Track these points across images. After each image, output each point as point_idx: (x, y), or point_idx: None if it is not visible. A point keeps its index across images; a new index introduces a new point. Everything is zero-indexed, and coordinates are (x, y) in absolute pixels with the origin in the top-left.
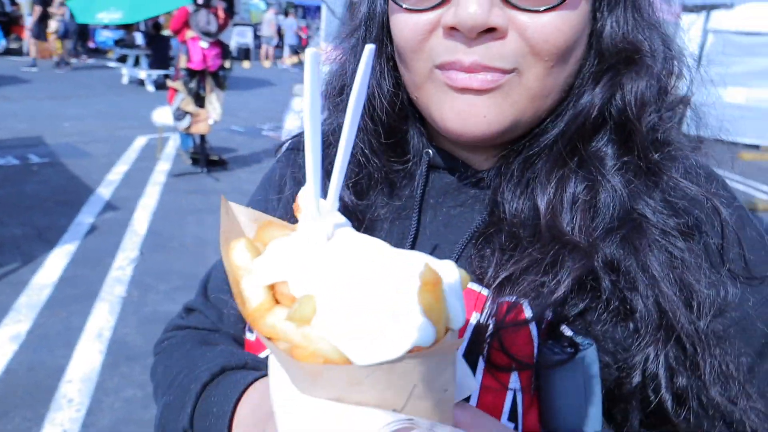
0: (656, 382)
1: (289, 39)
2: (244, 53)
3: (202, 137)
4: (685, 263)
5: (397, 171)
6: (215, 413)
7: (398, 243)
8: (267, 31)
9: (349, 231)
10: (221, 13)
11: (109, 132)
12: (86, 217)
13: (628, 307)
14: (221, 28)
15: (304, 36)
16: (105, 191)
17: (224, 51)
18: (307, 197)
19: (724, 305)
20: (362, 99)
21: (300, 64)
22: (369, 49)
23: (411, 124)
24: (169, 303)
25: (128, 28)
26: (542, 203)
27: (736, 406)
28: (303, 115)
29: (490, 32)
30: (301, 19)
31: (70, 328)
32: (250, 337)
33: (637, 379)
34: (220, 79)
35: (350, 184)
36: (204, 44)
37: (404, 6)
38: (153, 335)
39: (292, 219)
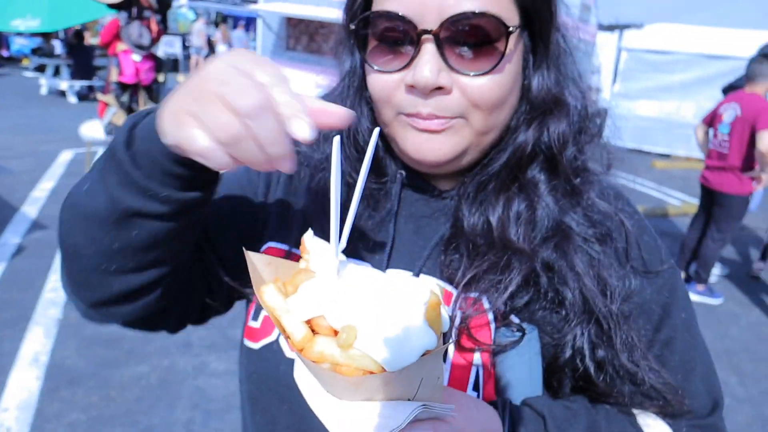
0: (582, 354)
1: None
2: (173, 63)
3: None
4: (601, 262)
5: (377, 189)
6: (146, 122)
7: (380, 247)
8: (197, 41)
9: (352, 266)
10: (154, 26)
11: (31, 146)
12: (12, 237)
13: (560, 297)
14: (154, 41)
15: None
16: (31, 209)
17: (158, 64)
18: (321, 246)
19: (629, 293)
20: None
21: None
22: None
23: (386, 152)
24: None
25: (46, 36)
26: (494, 219)
27: (639, 368)
28: (331, 186)
29: (440, 89)
30: (231, 30)
31: (3, 353)
32: (254, 324)
33: (568, 353)
34: (153, 93)
35: (343, 203)
36: (137, 57)
37: (375, 68)
38: (95, 358)
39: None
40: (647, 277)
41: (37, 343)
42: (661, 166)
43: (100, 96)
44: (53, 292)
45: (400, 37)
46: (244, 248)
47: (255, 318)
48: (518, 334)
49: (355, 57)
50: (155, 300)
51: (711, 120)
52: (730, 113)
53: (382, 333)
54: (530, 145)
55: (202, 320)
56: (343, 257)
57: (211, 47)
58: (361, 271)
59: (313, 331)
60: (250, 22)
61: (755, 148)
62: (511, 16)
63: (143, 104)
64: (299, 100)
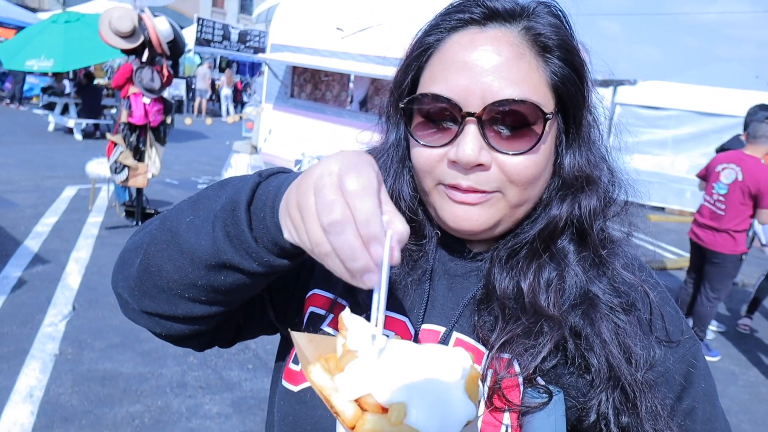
0: (606, 420)
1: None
2: (178, 105)
3: (139, 191)
4: (626, 331)
5: (415, 250)
6: (272, 191)
7: (417, 303)
8: (201, 84)
9: (393, 342)
10: (165, 71)
11: (35, 182)
12: (13, 271)
13: (587, 363)
14: (164, 85)
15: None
16: (33, 243)
17: (166, 106)
18: (358, 324)
19: (653, 362)
20: (388, 268)
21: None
22: (389, 234)
23: (424, 215)
24: (107, 361)
25: (57, 75)
26: (524, 284)
27: None
28: (382, 277)
29: (480, 166)
30: (235, 74)
31: None
32: (294, 367)
33: (592, 417)
34: (160, 134)
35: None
36: (146, 100)
37: (421, 142)
38: (90, 395)
39: None
40: (670, 346)
41: (32, 378)
42: (655, 219)
43: (109, 136)
44: (52, 326)
45: (445, 116)
46: (289, 329)
47: (296, 362)
48: (546, 396)
49: (400, 130)
50: (205, 326)
51: (705, 174)
52: (729, 173)
53: (428, 408)
54: (564, 219)
55: (231, 344)
56: (386, 337)
57: (215, 90)
58: (399, 346)
59: (361, 407)
60: (255, 68)
61: (755, 217)
62: (547, 102)
63: (150, 145)
64: (376, 218)
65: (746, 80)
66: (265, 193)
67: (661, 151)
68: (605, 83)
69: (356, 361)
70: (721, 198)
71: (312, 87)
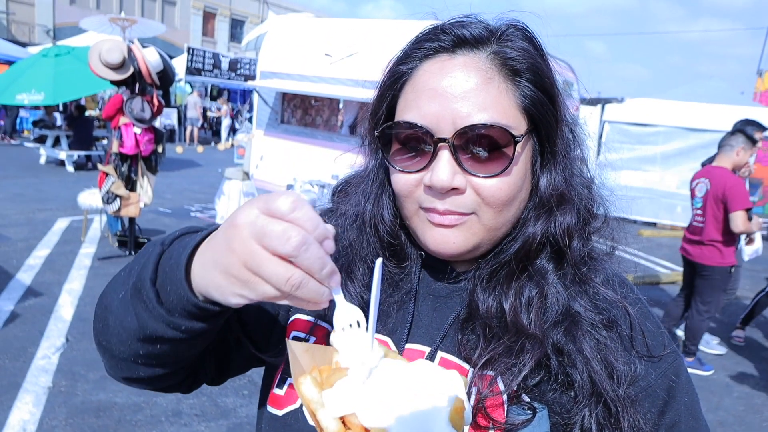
0: None
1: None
2: (169, 134)
3: (132, 220)
4: (608, 347)
5: (398, 272)
6: (173, 263)
7: (401, 323)
8: (192, 112)
9: (387, 361)
10: (156, 101)
11: (27, 215)
12: (6, 304)
13: (569, 379)
14: (155, 115)
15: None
16: (26, 276)
17: (157, 136)
18: (349, 345)
19: (635, 377)
20: (378, 297)
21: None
22: (378, 262)
23: (406, 238)
24: (101, 392)
25: (48, 108)
26: (506, 304)
27: None
28: (371, 301)
29: (455, 190)
30: (227, 101)
31: None
32: (278, 392)
33: None
34: (151, 164)
35: (364, 284)
36: (137, 130)
37: (397, 168)
38: (84, 427)
39: None
40: (651, 361)
41: (25, 413)
42: (648, 234)
43: (100, 166)
44: (45, 359)
45: (420, 142)
46: (287, 339)
47: (280, 386)
48: (530, 413)
49: (378, 156)
50: (179, 376)
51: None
52: (701, 187)
53: None
54: (538, 238)
55: (221, 381)
56: (377, 357)
57: (206, 118)
58: (392, 365)
59: (344, 424)
60: (246, 95)
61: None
62: (518, 125)
63: (141, 174)
64: (319, 219)
65: (730, 96)
66: (168, 264)
67: (650, 167)
68: (593, 101)
69: (345, 378)
70: (699, 212)
71: (302, 112)
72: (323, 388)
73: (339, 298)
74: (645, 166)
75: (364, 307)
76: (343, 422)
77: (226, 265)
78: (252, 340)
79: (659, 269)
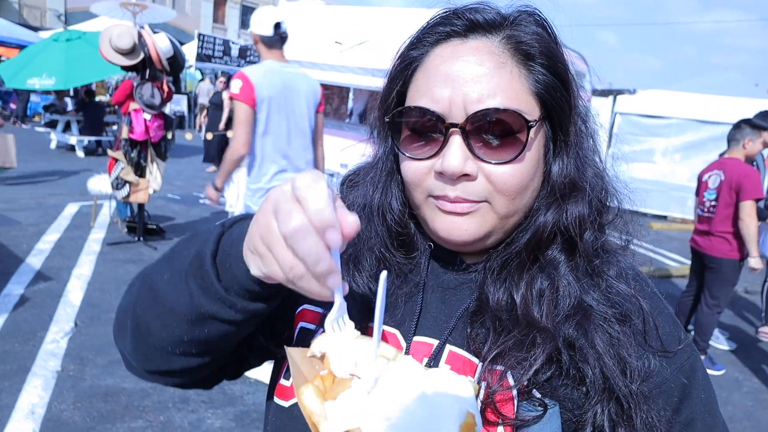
0: None
1: None
2: (179, 120)
3: (141, 206)
4: (620, 342)
5: (406, 263)
6: (235, 239)
7: (409, 316)
8: (204, 99)
9: (394, 367)
10: (166, 87)
11: (37, 199)
12: (16, 288)
13: (581, 375)
14: (165, 101)
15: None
16: (35, 261)
17: (167, 122)
18: (341, 346)
19: (649, 373)
20: (383, 306)
21: None
22: (383, 275)
23: (415, 228)
24: (109, 377)
25: (59, 93)
26: (517, 296)
27: None
28: (376, 310)
29: (466, 176)
30: None
31: (0, 406)
32: (285, 383)
33: (588, 430)
34: (161, 150)
35: (372, 275)
36: (147, 116)
37: (407, 155)
38: (92, 411)
39: None
40: (666, 357)
41: (34, 396)
42: (658, 227)
43: (110, 152)
44: (53, 343)
45: (431, 129)
46: (285, 346)
47: (287, 377)
48: (540, 409)
49: (388, 144)
50: (206, 372)
51: (698, 190)
52: (714, 179)
53: None
54: (549, 227)
55: (238, 376)
56: (381, 368)
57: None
58: (400, 373)
59: None
60: None
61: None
62: (531, 110)
63: (151, 160)
64: (328, 208)
65: (744, 88)
66: (228, 242)
67: (661, 160)
68: (605, 93)
69: (349, 391)
70: (713, 203)
71: None
72: (326, 398)
73: (338, 298)
74: (656, 159)
75: (370, 299)
76: None
77: (251, 236)
78: (263, 331)
79: (669, 263)
